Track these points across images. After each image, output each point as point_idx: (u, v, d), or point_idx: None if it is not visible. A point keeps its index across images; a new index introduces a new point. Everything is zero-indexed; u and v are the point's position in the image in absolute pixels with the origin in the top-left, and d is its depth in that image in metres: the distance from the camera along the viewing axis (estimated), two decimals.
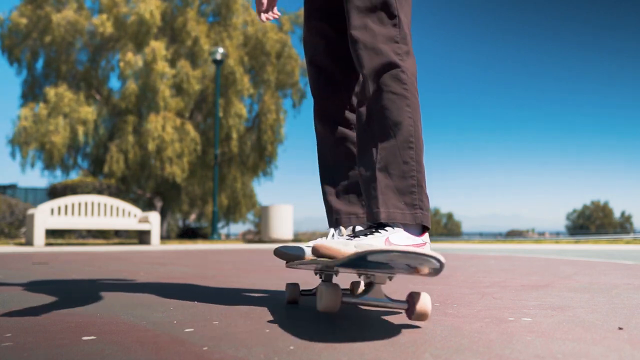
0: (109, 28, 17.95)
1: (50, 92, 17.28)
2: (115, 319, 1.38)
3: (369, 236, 1.29)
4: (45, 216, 8.88)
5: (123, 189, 17.48)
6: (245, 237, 20.25)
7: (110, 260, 4.47)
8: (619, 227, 69.71)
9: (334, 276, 1.76)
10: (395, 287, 2.21)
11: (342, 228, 1.69)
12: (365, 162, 1.44)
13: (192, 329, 1.22)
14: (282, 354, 0.96)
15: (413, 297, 1.22)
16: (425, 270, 1.13)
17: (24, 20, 18.02)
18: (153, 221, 9.88)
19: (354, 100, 1.77)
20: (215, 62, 15.43)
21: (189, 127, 17.71)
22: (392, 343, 1.05)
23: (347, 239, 1.30)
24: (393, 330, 1.20)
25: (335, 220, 1.71)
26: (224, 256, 5.41)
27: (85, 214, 9.52)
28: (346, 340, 1.09)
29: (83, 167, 19.37)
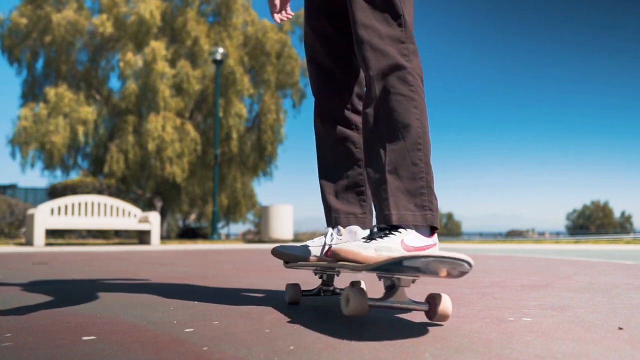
0: (109, 28, 17.95)
1: (50, 92, 17.28)
2: (115, 319, 1.38)
3: (385, 238, 1.30)
4: (45, 216, 8.88)
5: (123, 189, 17.48)
6: (245, 237, 20.25)
7: (110, 260, 4.47)
8: (619, 227, 69.70)
9: (336, 277, 1.76)
10: None
11: (340, 227, 1.69)
12: (373, 164, 1.45)
13: (192, 329, 1.22)
14: (282, 354, 0.96)
15: (435, 299, 1.26)
16: (455, 273, 1.17)
17: (24, 20, 18.02)
18: (153, 221, 9.88)
19: (354, 99, 1.77)
20: (215, 62, 15.43)
21: (189, 127, 17.71)
22: (392, 343, 1.05)
23: (364, 242, 1.31)
24: (393, 330, 1.20)
25: (334, 219, 1.71)
26: (224, 256, 5.41)
27: (85, 214, 9.52)
28: (346, 340, 1.09)
29: (83, 167, 19.37)
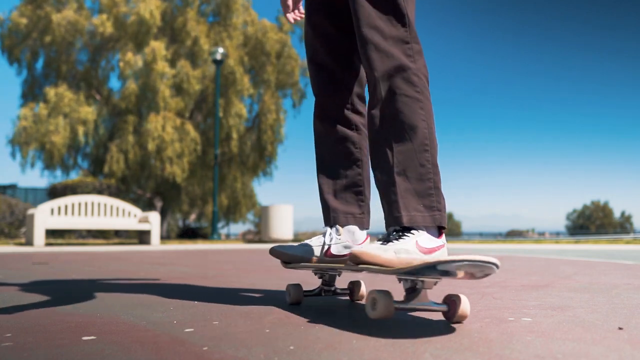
0: (109, 28, 17.95)
1: (50, 92, 17.28)
2: (115, 319, 1.38)
3: (400, 240, 1.32)
4: (45, 216, 8.88)
5: (123, 189, 17.48)
6: (245, 237, 20.25)
7: (110, 260, 4.47)
8: (619, 227, 69.69)
9: (337, 277, 1.75)
10: (390, 287, 2.21)
11: (339, 227, 1.69)
12: (381, 165, 1.45)
13: (192, 329, 1.22)
14: (282, 354, 0.96)
15: (454, 300, 1.28)
16: (480, 275, 1.20)
17: (24, 20, 18.01)
18: (153, 221, 9.88)
19: (354, 99, 1.77)
20: (215, 62, 15.43)
21: (189, 127, 17.71)
22: (392, 343, 1.05)
23: (382, 245, 1.33)
24: (393, 330, 1.20)
25: (332, 219, 1.71)
26: (224, 256, 5.41)
27: (85, 214, 9.52)
28: (346, 340, 1.09)
29: (83, 167, 19.37)
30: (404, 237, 1.33)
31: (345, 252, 1.66)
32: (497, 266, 1.15)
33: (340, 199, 1.73)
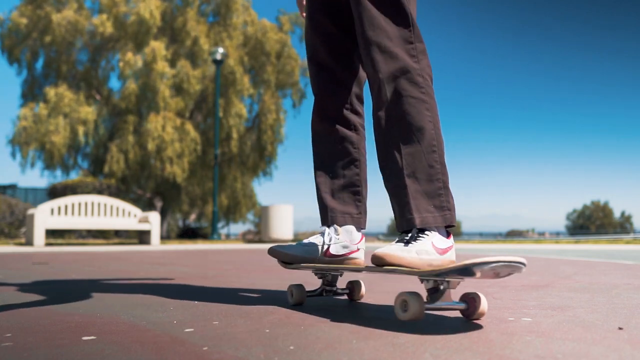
0: (109, 28, 17.95)
1: (50, 92, 17.28)
2: (115, 319, 1.38)
3: (418, 241, 1.35)
4: (45, 216, 8.88)
5: (123, 189, 17.48)
6: (245, 237, 20.26)
7: (110, 260, 4.47)
8: (619, 227, 69.70)
9: (339, 277, 1.75)
10: (390, 287, 2.21)
11: (337, 227, 1.69)
12: (391, 167, 1.46)
13: (192, 329, 1.22)
14: (282, 354, 0.96)
15: (473, 298, 1.31)
16: (506, 274, 1.23)
17: (24, 20, 18.01)
18: (153, 221, 9.88)
19: (353, 99, 1.77)
20: (215, 62, 15.43)
21: (189, 127, 17.71)
22: (392, 343, 1.05)
23: (402, 246, 1.34)
24: (393, 330, 1.20)
25: (330, 218, 1.71)
26: (224, 256, 5.41)
27: (85, 214, 9.52)
28: (346, 340, 1.09)
29: (83, 167, 19.37)
30: (420, 238, 1.36)
31: (344, 252, 1.66)
32: (525, 265, 1.20)
33: (337, 199, 1.73)
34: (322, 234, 1.70)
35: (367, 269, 1.48)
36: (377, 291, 2.05)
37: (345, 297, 1.82)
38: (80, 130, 17.25)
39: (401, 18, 1.48)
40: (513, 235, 56.30)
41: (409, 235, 1.38)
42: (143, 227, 9.84)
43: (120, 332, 1.18)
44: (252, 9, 20.06)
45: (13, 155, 17.70)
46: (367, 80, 1.59)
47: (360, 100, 1.79)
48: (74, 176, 18.57)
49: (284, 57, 19.49)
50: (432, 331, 1.18)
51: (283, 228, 12.84)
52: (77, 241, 12.10)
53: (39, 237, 8.66)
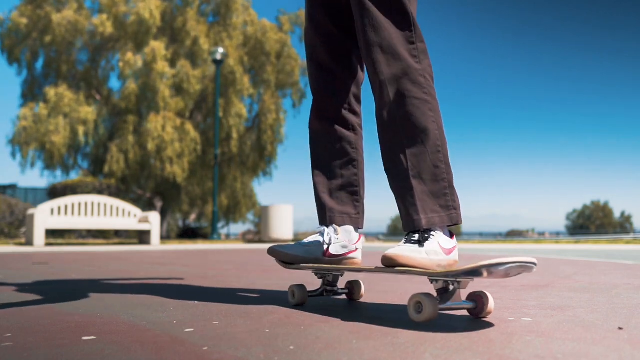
0: (109, 28, 17.95)
1: (50, 92, 17.28)
2: (115, 319, 1.38)
3: (428, 241, 1.37)
4: (45, 216, 8.88)
5: (123, 189, 17.48)
6: (245, 237, 20.26)
7: (110, 260, 4.47)
8: (619, 227, 69.70)
9: (340, 277, 1.75)
10: (389, 287, 2.21)
11: (336, 227, 1.69)
12: (396, 168, 1.46)
13: (192, 329, 1.22)
14: (282, 354, 0.96)
15: (481, 297, 1.33)
16: (516, 274, 1.25)
17: (24, 20, 18.02)
18: (153, 221, 9.88)
19: (352, 100, 1.77)
20: (215, 62, 15.43)
21: (189, 127, 17.71)
22: (392, 343, 1.05)
23: (416, 247, 1.36)
24: (393, 330, 1.20)
25: (328, 218, 1.71)
26: (224, 256, 5.41)
27: (85, 214, 9.52)
28: (346, 340, 1.09)
29: (83, 167, 19.37)
30: (429, 238, 1.37)
31: (343, 252, 1.66)
32: (536, 265, 1.23)
33: (335, 199, 1.73)
34: (321, 233, 1.70)
35: (378, 269, 1.47)
36: (376, 291, 2.05)
37: (345, 297, 1.82)
38: (80, 130, 17.25)
39: (402, 18, 1.48)
40: (513, 235, 56.31)
41: (417, 235, 1.39)
42: (143, 227, 9.84)
43: (120, 332, 1.18)
44: (252, 9, 20.07)
45: (13, 155, 17.72)
46: (365, 81, 1.60)
47: (358, 100, 1.79)
48: (74, 176, 18.59)
49: (284, 57, 19.49)
50: (432, 331, 1.18)
51: (283, 228, 12.84)
52: (77, 241, 12.10)
53: (39, 237, 8.66)
